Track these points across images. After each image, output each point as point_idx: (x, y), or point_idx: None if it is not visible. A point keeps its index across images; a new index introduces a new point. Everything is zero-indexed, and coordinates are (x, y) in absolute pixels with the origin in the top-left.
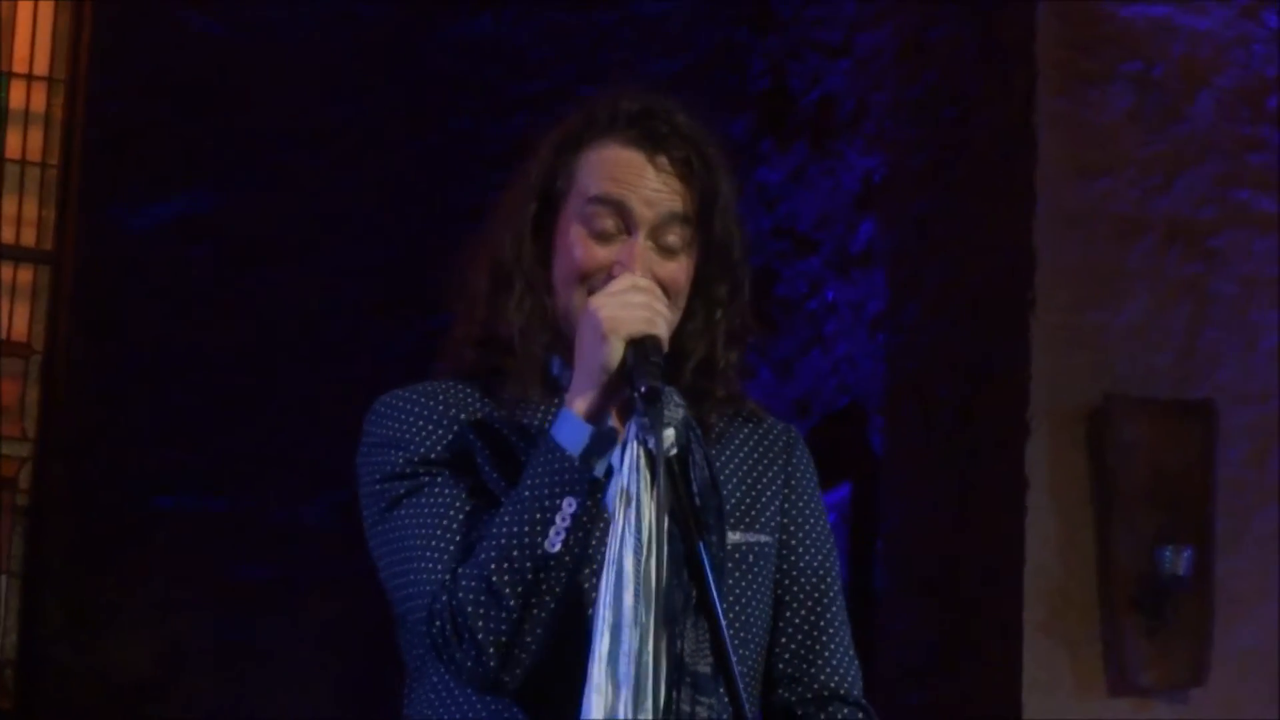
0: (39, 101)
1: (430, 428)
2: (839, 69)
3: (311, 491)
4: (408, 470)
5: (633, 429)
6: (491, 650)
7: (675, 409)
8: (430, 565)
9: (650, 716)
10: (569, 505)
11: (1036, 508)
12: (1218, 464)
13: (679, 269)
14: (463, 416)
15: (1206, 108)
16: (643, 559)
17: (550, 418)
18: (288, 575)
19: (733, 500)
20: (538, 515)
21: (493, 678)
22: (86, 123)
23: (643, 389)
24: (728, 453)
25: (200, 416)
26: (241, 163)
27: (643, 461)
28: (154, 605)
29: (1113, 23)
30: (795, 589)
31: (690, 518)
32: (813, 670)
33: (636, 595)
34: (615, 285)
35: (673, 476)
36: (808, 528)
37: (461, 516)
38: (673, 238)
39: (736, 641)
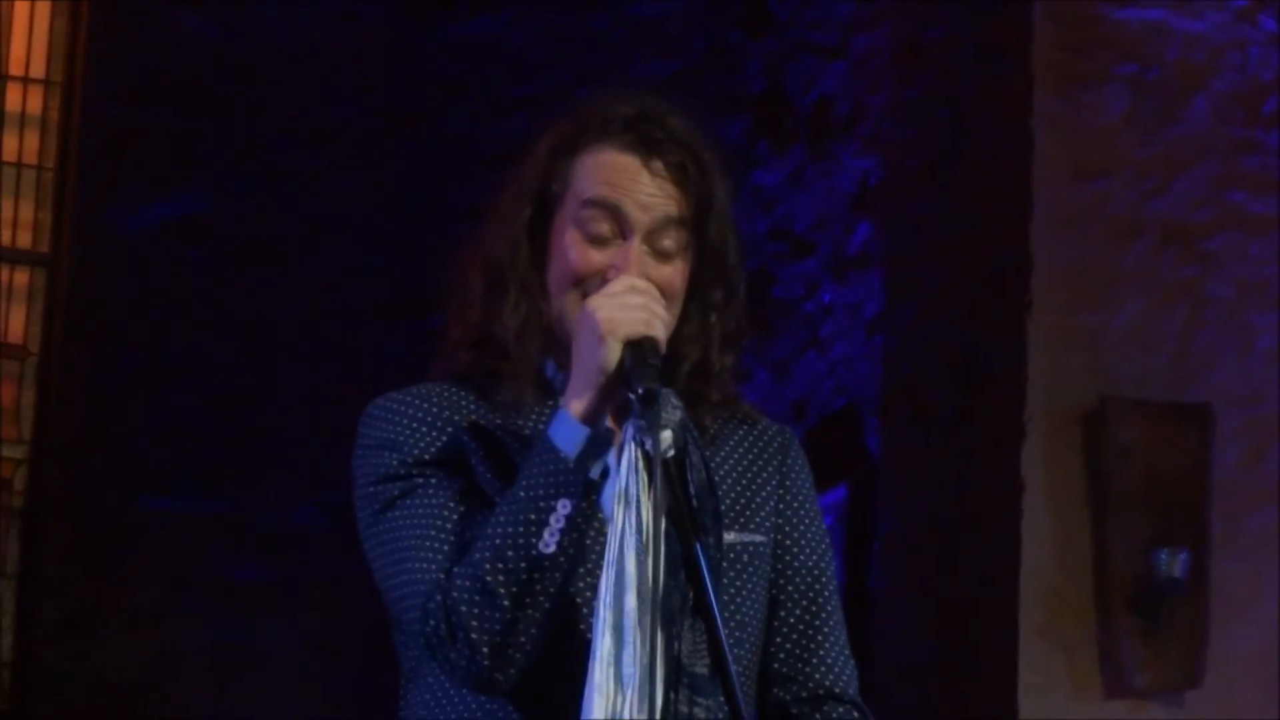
0: (35, 104)
1: (424, 430)
2: (835, 71)
3: (308, 493)
4: (402, 472)
5: (630, 430)
6: (485, 650)
7: (672, 411)
8: (424, 566)
9: (650, 717)
10: (563, 507)
11: (1032, 510)
12: (1213, 466)
13: (674, 272)
14: (457, 419)
15: (1202, 111)
16: (643, 560)
17: (545, 420)
18: (284, 577)
19: (727, 501)
20: (532, 516)
21: (486, 677)
22: (83, 125)
23: (640, 391)
24: (722, 454)
25: (196, 418)
26: (238, 165)
27: (641, 463)
28: (150, 607)
29: (1108, 25)
30: (790, 589)
31: (687, 519)
32: (807, 669)
33: (639, 596)
34: (613, 287)
35: (670, 478)
36: (803, 528)
37: (455, 518)
38: (668, 242)
39: (731, 641)
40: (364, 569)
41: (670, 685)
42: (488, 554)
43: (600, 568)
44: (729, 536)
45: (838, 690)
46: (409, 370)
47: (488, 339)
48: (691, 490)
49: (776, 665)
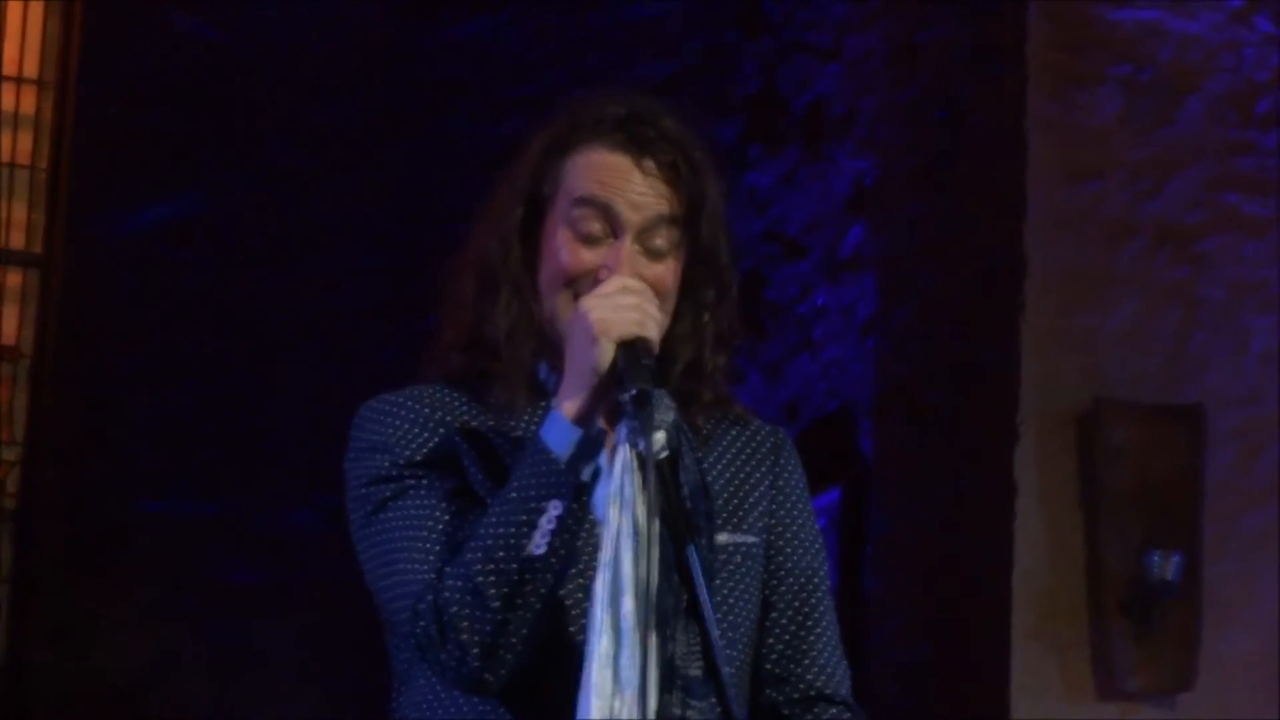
0: (28, 104)
1: (416, 431)
2: (829, 72)
3: (303, 496)
4: (393, 474)
5: (623, 432)
6: (475, 650)
7: (665, 412)
8: (415, 567)
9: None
10: (554, 508)
11: (1025, 512)
12: (1206, 468)
13: (666, 271)
14: (449, 420)
15: (1196, 112)
16: (638, 562)
17: (537, 422)
18: (280, 579)
19: (720, 501)
20: (523, 517)
21: (476, 678)
22: (76, 126)
23: (633, 392)
24: (715, 454)
25: (192, 420)
26: (232, 166)
27: (635, 464)
28: (144, 610)
29: (1103, 26)
30: (783, 589)
31: (680, 521)
32: (799, 670)
33: (636, 597)
34: (606, 287)
35: (663, 479)
36: (795, 529)
37: (446, 519)
38: (660, 241)
39: (724, 642)
40: (359, 571)
41: (664, 687)
42: (478, 555)
43: (591, 569)
44: (721, 537)
45: (830, 691)
46: (407, 371)
47: (479, 340)
48: (684, 492)
49: (769, 666)
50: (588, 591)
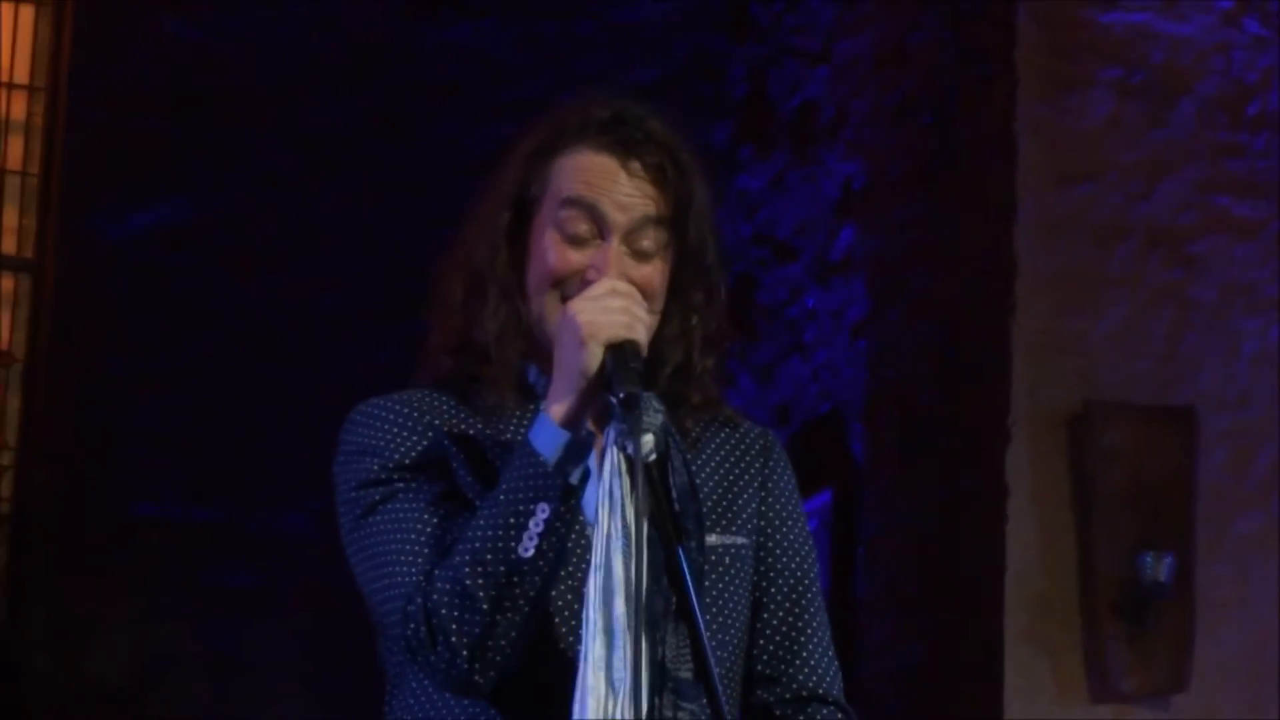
0: (19, 110)
1: (405, 435)
2: (818, 76)
3: (295, 499)
4: (383, 477)
5: (611, 434)
6: (465, 652)
7: (654, 414)
8: (405, 570)
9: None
10: (542, 511)
11: (1018, 514)
12: (1199, 470)
13: (653, 272)
14: (438, 423)
15: (1187, 114)
16: (629, 564)
17: (526, 425)
18: (271, 583)
19: (709, 503)
20: (511, 520)
21: (466, 679)
22: (67, 131)
23: (621, 395)
24: (704, 456)
25: (183, 424)
26: (223, 170)
27: (623, 467)
28: (136, 613)
29: (1093, 29)
30: (773, 590)
31: (669, 524)
32: (791, 671)
33: (627, 599)
34: (594, 290)
35: (652, 482)
36: (785, 530)
37: (435, 522)
38: (647, 242)
39: (715, 643)
40: (351, 574)
41: (654, 689)
42: (467, 557)
43: (581, 571)
44: (711, 539)
45: (821, 691)
46: (399, 375)
47: (468, 343)
48: (673, 494)
49: (760, 667)
50: (578, 593)
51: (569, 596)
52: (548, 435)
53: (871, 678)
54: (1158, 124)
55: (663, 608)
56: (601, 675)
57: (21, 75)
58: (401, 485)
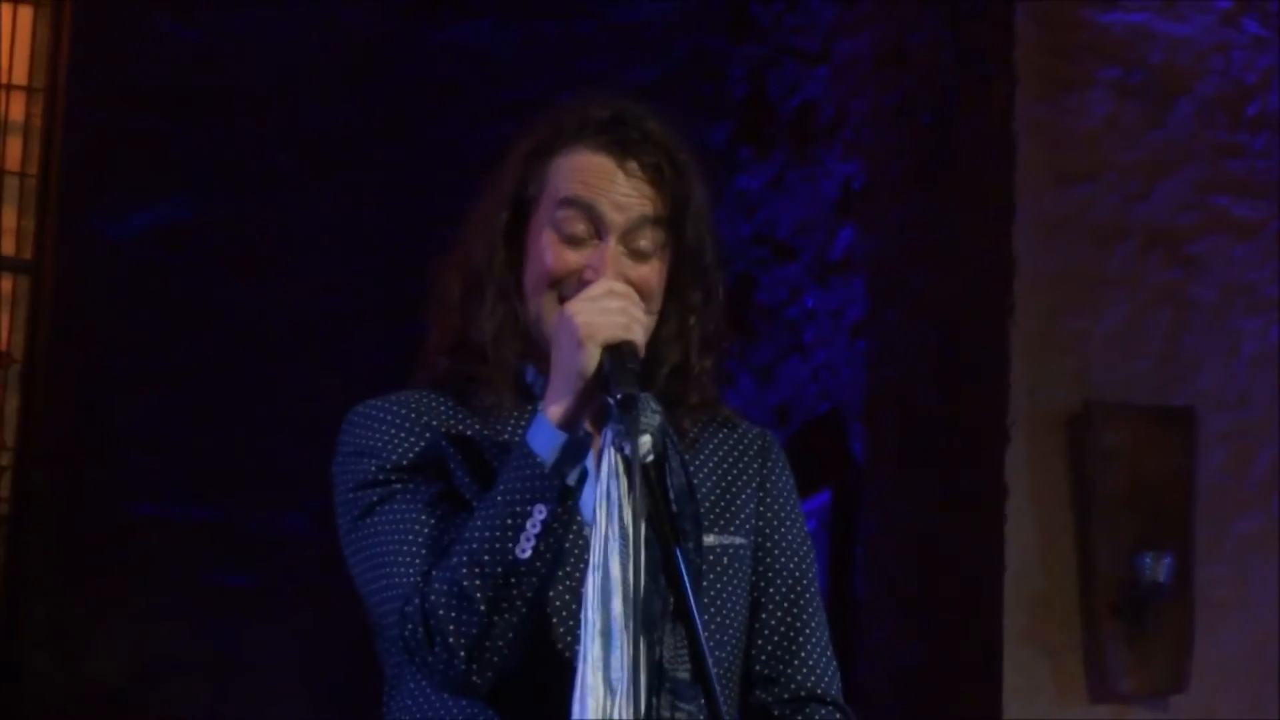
0: (18, 110)
1: (402, 435)
2: (818, 76)
3: (293, 500)
4: (380, 478)
5: (609, 435)
6: (462, 654)
7: (651, 415)
8: (402, 571)
9: None
10: (539, 512)
11: (1017, 514)
12: (1198, 470)
13: (651, 272)
14: (435, 424)
15: (1186, 114)
16: (626, 565)
17: (523, 425)
18: (269, 583)
19: (707, 503)
20: (509, 521)
21: (464, 680)
22: (66, 131)
23: (619, 396)
24: (702, 457)
25: (181, 424)
26: (221, 171)
27: (621, 468)
28: (135, 614)
29: (1092, 29)
30: (771, 590)
31: (667, 524)
32: (789, 671)
33: (624, 600)
34: (592, 290)
35: (649, 483)
36: (783, 530)
37: (433, 523)
38: (644, 242)
39: (712, 644)
40: (349, 575)
41: (652, 690)
42: (464, 558)
43: (579, 572)
44: (709, 539)
45: (819, 691)
46: (398, 376)
47: (466, 344)
48: (670, 495)
49: (758, 667)
50: (576, 594)
51: (567, 597)
52: (545, 436)
53: (870, 678)
54: (1157, 124)
55: (660, 608)
56: (600, 675)
57: (20, 76)
58: (399, 486)
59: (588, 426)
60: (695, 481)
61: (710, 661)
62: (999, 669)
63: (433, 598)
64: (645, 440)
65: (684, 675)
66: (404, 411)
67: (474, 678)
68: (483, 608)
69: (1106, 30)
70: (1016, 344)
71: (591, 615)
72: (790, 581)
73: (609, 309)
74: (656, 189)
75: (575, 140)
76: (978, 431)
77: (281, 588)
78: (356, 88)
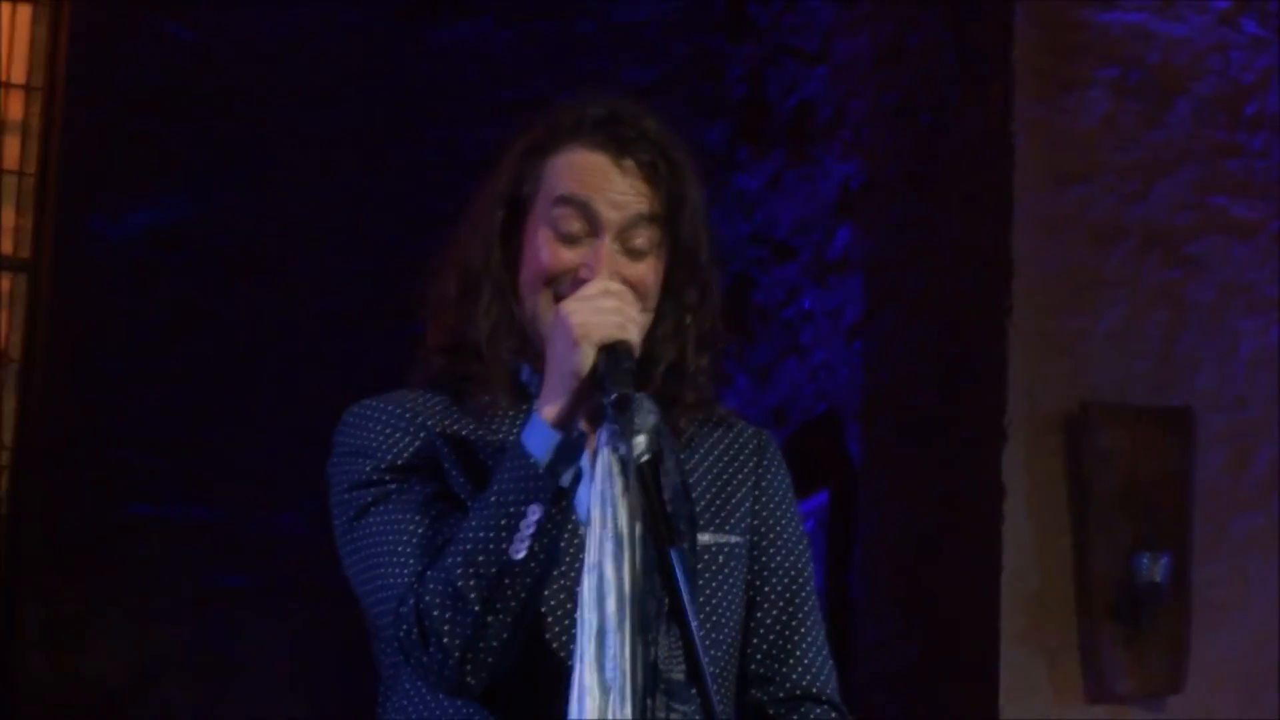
0: (16, 110)
1: (397, 435)
2: (816, 76)
3: (291, 500)
4: (375, 478)
5: (604, 436)
6: (457, 654)
7: (646, 416)
8: (397, 571)
9: None
10: (533, 513)
11: (1014, 515)
12: (1195, 471)
13: (647, 270)
14: (430, 424)
15: (1184, 114)
16: (620, 565)
17: (519, 424)
18: (268, 583)
19: (703, 502)
20: (503, 522)
21: (458, 680)
22: (64, 130)
23: (614, 396)
24: (698, 456)
25: (179, 424)
26: (220, 171)
27: (615, 468)
28: (132, 614)
29: (1090, 29)
30: (767, 589)
31: (662, 525)
32: (784, 670)
33: (619, 600)
34: (587, 290)
35: (644, 483)
36: (779, 529)
37: (427, 523)
38: (640, 240)
39: (708, 642)
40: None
41: (647, 691)
42: (459, 559)
43: (575, 572)
44: (704, 538)
45: (815, 690)
46: (393, 376)
47: (462, 343)
48: (666, 495)
49: (754, 666)
50: (571, 594)
51: (562, 596)
52: (540, 436)
53: (867, 678)
54: (1155, 124)
55: (655, 609)
56: (595, 675)
57: (18, 75)
58: (394, 487)
59: (583, 426)
60: (691, 481)
61: (705, 662)
62: (995, 669)
63: (427, 598)
64: (640, 440)
65: (679, 676)
66: (399, 411)
67: (469, 678)
68: (477, 608)
69: (1104, 30)
70: (1014, 344)
71: (587, 615)
72: (786, 580)
73: (604, 308)
74: (652, 187)
75: (571, 139)
76: (975, 432)
77: (279, 588)
78: (353, 88)
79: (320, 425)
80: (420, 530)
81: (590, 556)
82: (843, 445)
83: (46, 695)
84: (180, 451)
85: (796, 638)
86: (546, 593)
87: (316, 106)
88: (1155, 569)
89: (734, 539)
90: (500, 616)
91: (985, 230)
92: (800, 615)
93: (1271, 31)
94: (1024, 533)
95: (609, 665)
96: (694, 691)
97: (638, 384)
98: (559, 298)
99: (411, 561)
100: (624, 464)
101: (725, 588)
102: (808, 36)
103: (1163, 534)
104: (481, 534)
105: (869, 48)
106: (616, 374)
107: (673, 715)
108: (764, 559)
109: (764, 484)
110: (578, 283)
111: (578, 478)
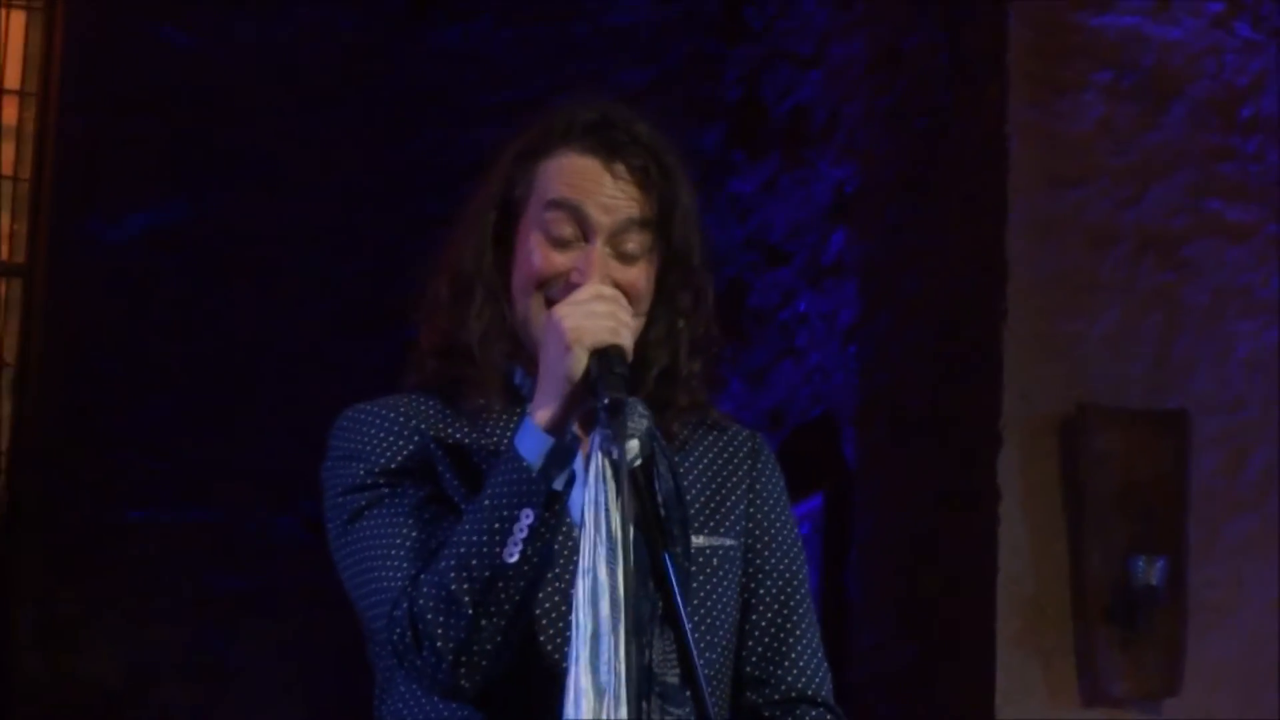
0: (10, 115)
1: (391, 439)
2: (811, 79)
3: (286, 503)
4: (369, 482)
5: (596, 440)
6: (450, 657)
7: (639, 420)
8: (391, 575)
9: None
10: (526, 517)
11: (1009, 518)
12: (1191, 474)
13: (639, 274)
14: (423, 428)
15: (1178, 117)
16: (614, 569)
17: (512, 428)
18: (263, 586)
19: (697, 505)
20: (496, 525)
21: (452, 684)
22: (58, 135)
23: (606, 400)
24: (691, 459)
25: (174, 428)
26: (214, 174)
27: (608, 472)
28: (127, 617)
29: (1084, 33)
30: (762, 592)
31: (655, 529)
32: (779, 672)
33: (612, 604)
34: (579, 294)
35: (637, 488)
36: (774, 531)
37: (421, 526)
38: (631, 244)
39: (703, 645)
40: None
41: (642, 694)
42: (452, 562)
43: (569, 575)
44: (699, 540)
45: (810, 692)
46: (389, 379)
47: (455, 346)
48: (659, 499)
49: (749, 669)
50: (565, 597)
51: (556, 599)
52: (532, 440)
53: (862, 680)
54: (1149, 127)
55: (649, 612)
56: (590, 679)
57: (13, 80)
58: (387, 490)
59: (576, 430)
60: (684, 484)
61: (699, 665)
62: (991, 672)
63: (421, 601)
64: (633, 445)
65: (673, 679)
66: (392, 415)
67: (462, 681)
68: (470, 612)
69: (1099, 34)
70: (1009, 347)
71: (582, 619)
72: (781, 583)
73: (596, 313)
74: (644, 191)
75: (563, 142)
76: (970, 435)
77: (273, 590)
78: (348, 91)
79: (319, 427)
80: (414, 534)
81: (584, 560)
82: (838, 448)
83: (43, 696)
84: (177, 454)
85: (791, 640)
86: (541, 596)
87: (315, 108)
88: (1151, 571)
89: (728, 542)
90: (494, 620)
91: (980, 233)
92: (795, 618)
93: (1265, 35)
94: (1020, 535)
95: (603, 668)
96: (688, 694)
97: (630, 388)
98: (551, 302)
99: (405, 565)
100: (617, 468)
101: (719, 591)
102: (803, 40)
103: (1159, 536)
104: (475, 538)
105: (864, 51)
106: (609, 378)
107: (667, 718)
108: (758, 561)
109: (758, 487)
110: (569, 287)
111: (571, 481)
